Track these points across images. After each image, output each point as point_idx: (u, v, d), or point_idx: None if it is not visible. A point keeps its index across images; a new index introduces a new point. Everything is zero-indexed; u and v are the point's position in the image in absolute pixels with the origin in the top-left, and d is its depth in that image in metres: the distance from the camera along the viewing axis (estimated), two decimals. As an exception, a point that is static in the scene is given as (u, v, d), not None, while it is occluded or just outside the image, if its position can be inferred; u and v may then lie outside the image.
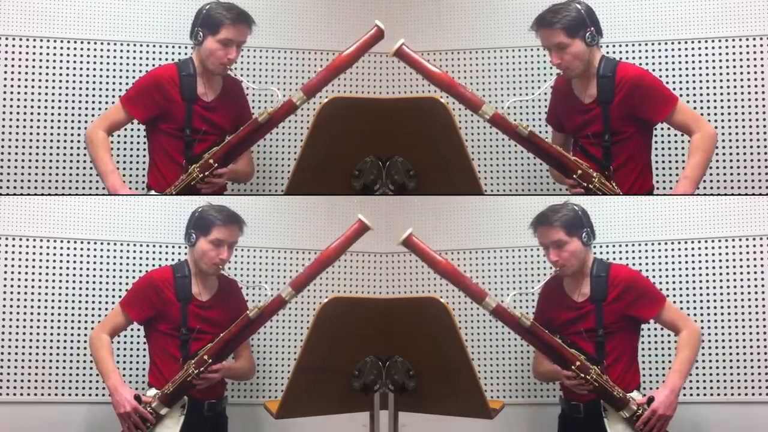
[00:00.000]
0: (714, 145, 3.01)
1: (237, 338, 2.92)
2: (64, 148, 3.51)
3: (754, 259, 3.47)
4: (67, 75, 3.52)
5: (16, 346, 3.41)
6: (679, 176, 3.15)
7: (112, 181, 3.07)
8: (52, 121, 3.51)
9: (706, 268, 3.49)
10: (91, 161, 3.18)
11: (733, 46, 3.55)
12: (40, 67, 3.51)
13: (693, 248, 3.50)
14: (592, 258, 3.04)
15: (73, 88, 3.52)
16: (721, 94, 3.55)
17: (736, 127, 3.54)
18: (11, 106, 3.50)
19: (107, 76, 3.54)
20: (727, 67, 3.55)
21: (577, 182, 2.91)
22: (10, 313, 3.42)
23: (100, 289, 3.46)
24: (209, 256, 3.05)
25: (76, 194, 3.51)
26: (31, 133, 3.51)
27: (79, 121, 3.51)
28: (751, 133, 3.54)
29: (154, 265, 3.43)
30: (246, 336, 2.96)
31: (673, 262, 3.50)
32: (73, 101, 3.52)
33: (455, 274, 2.71)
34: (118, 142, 3.49)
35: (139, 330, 3.22)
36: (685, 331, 2.99)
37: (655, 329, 3.38)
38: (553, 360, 2.90)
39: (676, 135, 3.46)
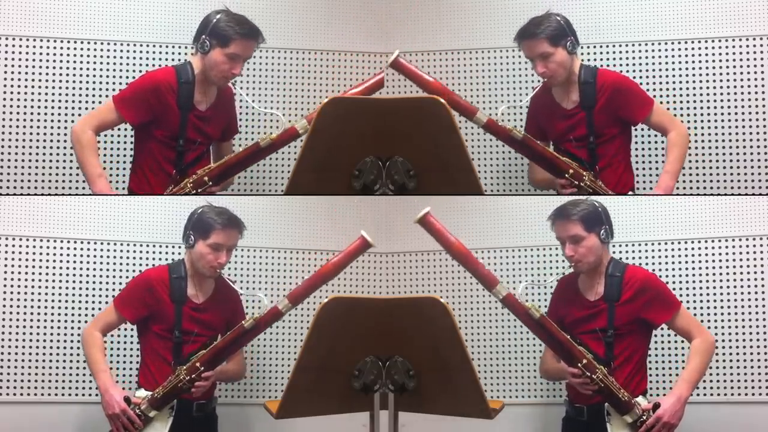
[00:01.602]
0: (688, 141, 3.19)
1: (230, 347, 2.90)
2: (64, 148, 3.51)
3: (754, 259, 3.47)
4: (67, 75, 3.52)
5: (16, 346, 3.41)
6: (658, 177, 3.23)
7: (100, 185, 3.00)
8: (52, 121, 3.51)
9: (706, 268, 3.49)
10: (77, 161, 3.08)
11: (733, 46, 3.55)
12: (40, 67, 3.51)
13: (693, 248, 3.50)
14: (609, 257, 3.03)
15: (73, 88, 3.52)
16: (721, 94, 3.55)
17: (736, 127, 3.54)
18: (11, 106, 3.50)
19: (107, 76, 3.54)
20: (727, 67, 3.55)
21: (569, 181, 2.98)
22: (10, 313, 3.42)
23: (100, 289, 3.46)
24: (207, 260, 3.02)
25: (76, 194, 3.51)
26: (31, 133, 3.51)
27: (79, 121, 3.52)
28: (751, 133, 3.54)
29: (153, 265, 3.43)
30: (240, 346, 2.94)
31: (673, 262, 3.50)
32: (73, 101, 3.52)
33: (468, 257, 2.71)
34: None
35: (132, 329, 3.21)
36: (698, 339, 2.96)
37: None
38: (560, 355, 2.88)
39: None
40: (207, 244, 3.01)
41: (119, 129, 3.37)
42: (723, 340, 3.45)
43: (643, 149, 3.55)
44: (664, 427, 2.84)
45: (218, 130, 3.15)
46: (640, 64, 3.57)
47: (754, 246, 3.48)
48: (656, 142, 3.53)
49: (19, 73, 3.50)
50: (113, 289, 3.44)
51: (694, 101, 3.55)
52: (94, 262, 3.48)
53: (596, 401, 2.91)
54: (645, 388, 2.98)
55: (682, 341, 3.30)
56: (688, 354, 3.01)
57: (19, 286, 3.43)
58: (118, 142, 3.50)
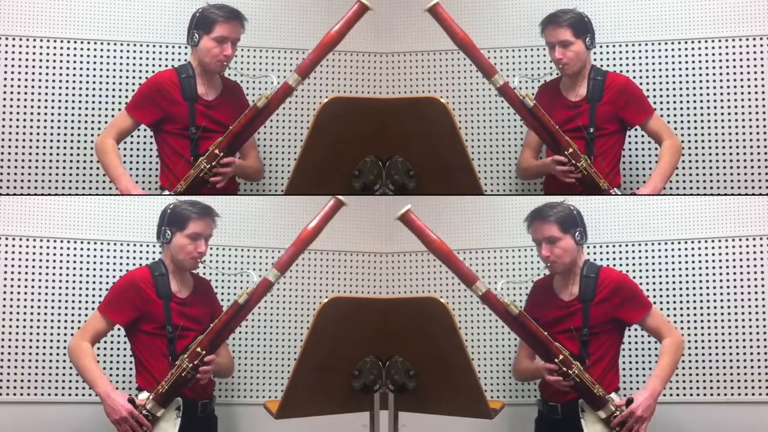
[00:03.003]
0: (681, 154, 3.29)
1: (228, 326, 2.89)
2: (64, 148, 3.52)
3: (754, 259, 3.47)
4: (67, 75, 3.53)
5: (16, 346, 3.41)
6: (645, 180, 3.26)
7: (125, 183, 3.13)
8: (52, 121, 3.52)
9: (706, 268, 3.49)
10: (102, 169, 3.21)
11: (733, 46, 3.55)
12: (40, 67, 3.52)
13: (693, 248, 3.50)
14: (583, 258, 3.07)
15: (73, 88, 3.53)
16: (721, 94, 3.55)
17: (736, 127, 3.55)
18: (11, 106, 3.50)
19: (107, 76, 3.54)
20: (727, 67, 3.55)
21: (567, 158, 3.07)
22: (10, 313, 3.42)
23: (100, 289, 3.46)
24: (187, 250, 3.01)
25: (76, 194, 3.51)
26: (31, 133, 3.51)
27: (79, 122, 3.52)
28: (751, 133, 3.54)
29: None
30: (237, 323, 2.90)
31: (673, 262, 3.50)
32: (73, 101, 3.53)
33: (449, 254, 2.71)
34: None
35: (116, 337, 3.20)
36: (668, 339, 3.03)
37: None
38: (537, 352, 2.92)
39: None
40: (185, 235, 3.02)
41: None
42: (723, 340, 3.46)
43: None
44: (637, 421, 2.89)
45: (230, 117, 3.16)
46: (640, 64, 3.57)
47: (754, 246, 3.48)
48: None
49: (19, 73, 3.50)
50: (113, 289, 3.45)
51: (694, 101, 3.56)
52: (94, 262, 3.48)
53: (570, 398, 2.95)
54: (617, 385, 3.02)
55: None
56: (659, 353, 3.04)
57: (19, 286, 3.44)
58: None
